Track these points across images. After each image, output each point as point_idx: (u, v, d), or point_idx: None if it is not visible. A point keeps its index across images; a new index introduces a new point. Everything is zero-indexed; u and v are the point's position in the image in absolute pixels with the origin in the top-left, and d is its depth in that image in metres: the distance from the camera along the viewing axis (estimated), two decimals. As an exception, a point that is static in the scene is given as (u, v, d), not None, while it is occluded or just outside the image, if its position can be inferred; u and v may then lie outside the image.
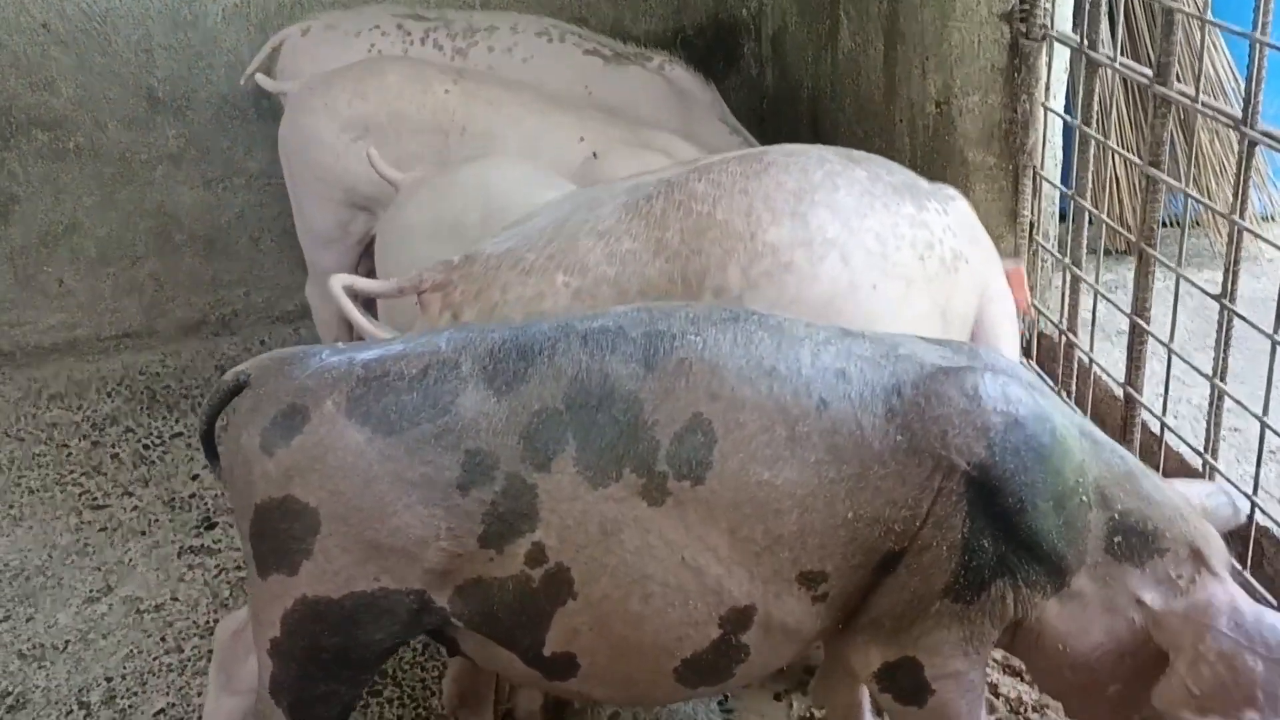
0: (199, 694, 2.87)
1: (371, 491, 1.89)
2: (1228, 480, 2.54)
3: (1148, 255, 2.70)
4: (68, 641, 3.09)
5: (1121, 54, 2.77)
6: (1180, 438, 2.70)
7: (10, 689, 2.93)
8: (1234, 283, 2.40)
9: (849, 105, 4.05)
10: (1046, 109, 3.11)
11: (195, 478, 3.80)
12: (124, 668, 2.99)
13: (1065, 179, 3.26)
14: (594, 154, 3.38)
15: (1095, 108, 2.87)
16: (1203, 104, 2.41)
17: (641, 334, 1.95)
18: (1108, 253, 3.14)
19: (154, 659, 3.02)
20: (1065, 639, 1.98)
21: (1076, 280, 3.05)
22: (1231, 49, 3.94)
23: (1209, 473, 2.56)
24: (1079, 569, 1.96)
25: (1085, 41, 2.84)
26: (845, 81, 4.06)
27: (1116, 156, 3.52)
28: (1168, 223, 2.99)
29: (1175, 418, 2.96)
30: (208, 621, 3.13)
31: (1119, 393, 2.91)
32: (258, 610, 2.03)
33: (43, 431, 4.10)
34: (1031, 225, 3.26)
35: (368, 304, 2.91)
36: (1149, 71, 2.59)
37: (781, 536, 1.89)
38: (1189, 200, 2.53)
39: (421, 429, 1.90)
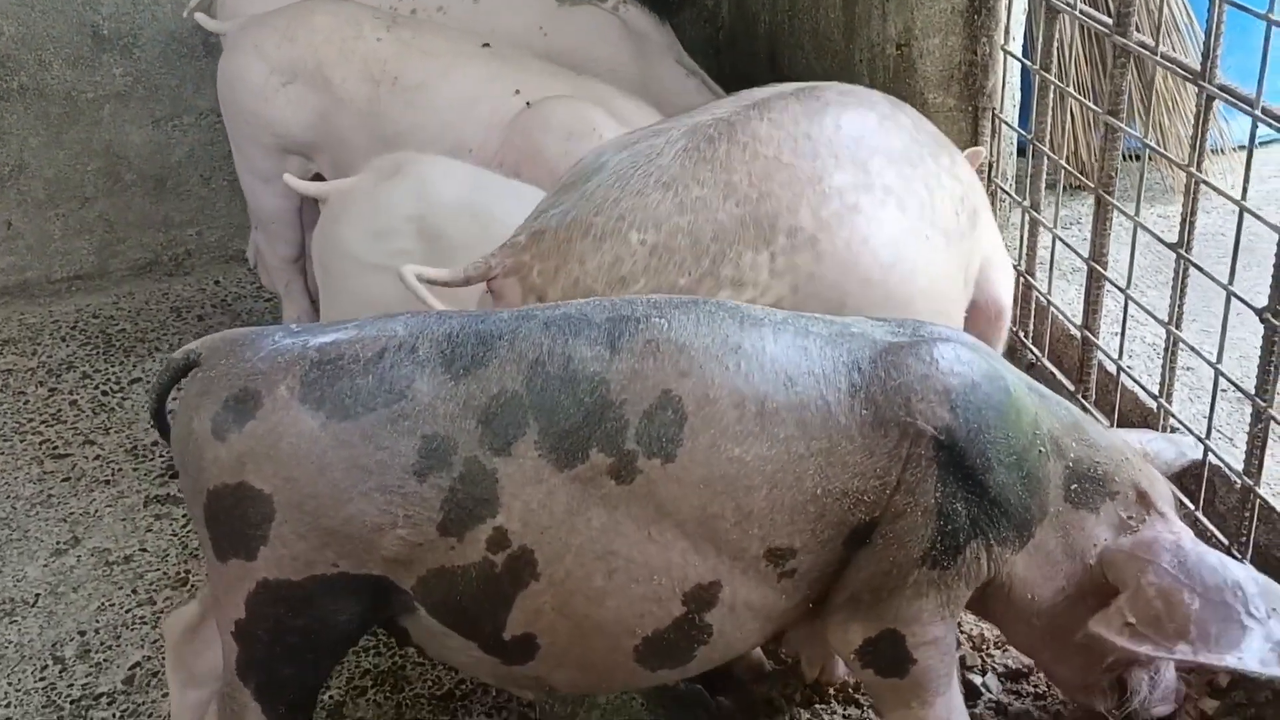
0: (174, 646, 2.89)
1: (326, 478, 1.88)
2: (1180, 423, 2.62)
3: (1106, 202, 2.74)
4: (38, 595, 3.10)
5: None
6: (1136, 381, 2.77)
7: (-17, 645, 2.94)
8: (1190, 232, 2.44)
9: (808, 43, 4.05)
10: (1006, 52, 3.13)
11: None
12: (96, 621, 3.00)
13: (1023, 116, 3.30)
14: (528, 104, 3.34)
15: (1055, 54, 2.89)
16: (1162, 55, 2.44)
17: (605, 319, 1.95)
18: (1064, 189, 3.18)
19: (126, 612, 3.03)
20: (1033, 588, 2.06)
21: (1035, 222, 3.09)
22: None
23: (1163, 415, 2.63)
24: (1042, 520, 2.03)
25: (1045, -13, 2.86)
26: (804, 19, 4.05)
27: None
28: (1125, 156, 3.03)
29: (1130, 356, 3.03)
30: (179, 573, 3.15)
31: (1076, 333, 2.97)
32: (220, 593, 2.02)
33: (-2, 379, 4.07)
34: (990, 166, 3.29)
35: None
36: (1109, 20, 2.61)
37: (751, 513, 1.92)
38: (1148, 150, 2.56)
39: (376, 414, 1.88)
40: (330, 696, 2.70)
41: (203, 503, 1.96)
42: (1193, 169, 2.37)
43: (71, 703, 2.76)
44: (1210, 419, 2.51)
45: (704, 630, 1.99)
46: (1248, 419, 2.91)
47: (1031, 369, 3.09)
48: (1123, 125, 2.63)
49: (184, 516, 3.36)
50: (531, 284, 2.24)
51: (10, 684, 2.82)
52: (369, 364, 1.91)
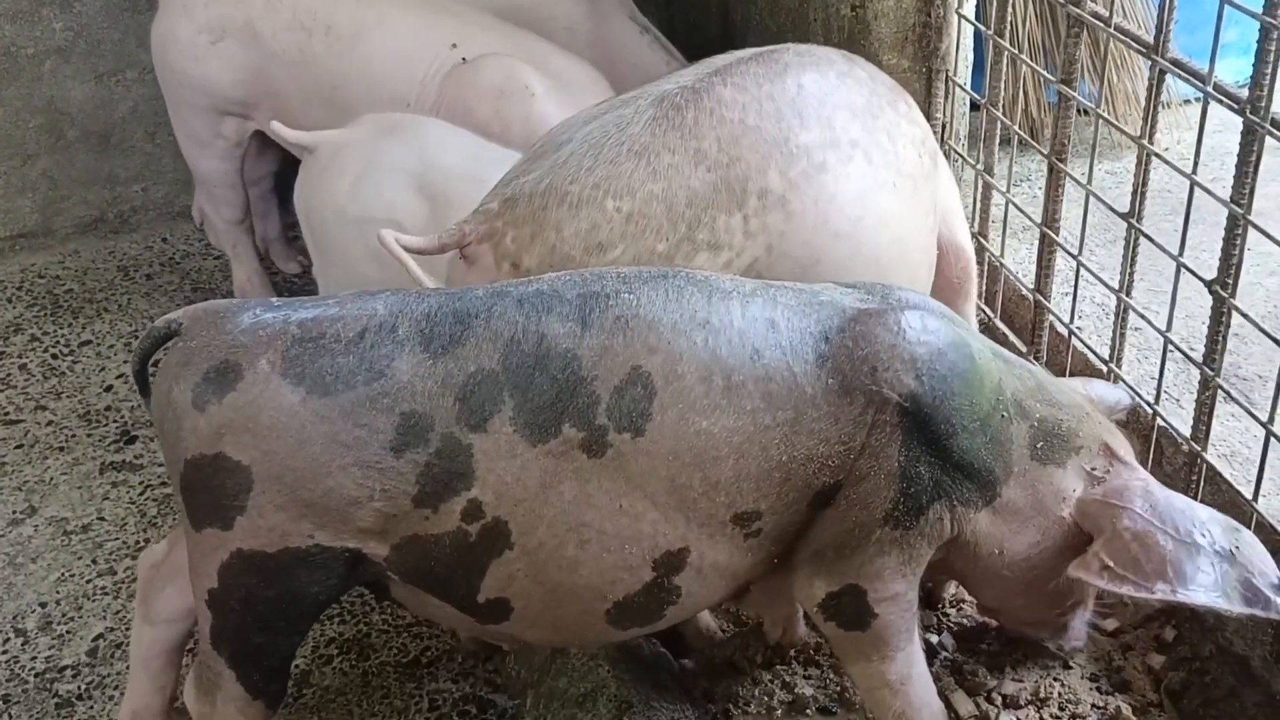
0: (136, 617, 2.90)
1: (305, 452, 1.91)
2: (1130, 388, 2.67)
3: (1058, 170, 2.78)
4: (-4, 567, 3.10)
5: None
6: (1087, 345, 2.82)
7: (-57, 618, 2.93)
8: (1141, 202, 2.49)
9: (762, 2, 4.04)
10: (960, 16, 3.14)
11: (109, 389, 3.77)
12: (57, 592, 3.00)
13: (976, 74, 3.32)
14: (464, 60, 3.32)
15: (1008, 18, 2.91)
16: (1115, 28, 2.47)
17: (576, 295, 1.98)
18: (1007, 142, 3.21)
19: (87, 582, 3.03)
20: (1000, 543, 2.13)
21: (988, 185, 3.13)
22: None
23: (1113, 379, 2.69)
24: (1007, 480, 2.09)
25: (999, -48, 2.87)
26: (756, -26, 4.04)
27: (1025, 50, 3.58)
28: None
29: (1080, 316, 3.08)
30: (138, 542, 3.15)
31: (1029, 295, 3.02)
32: (194, 561, 2.05)
33: (-57, 343, 4.02)
34: (944, 127, 3.31)
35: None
36: (1064, -9, 2.64)
37: (718, 482, 1.97)
38: (1098, 119, 2.60)
39: (356, 392, 1.91)
40: (296, 665, 2.72)
41: (180, 471, 1.99)
42: (1144, 141, 2.41)
43: (35, 675, 2.77)
44: (1159, 384, 2.57)
45: (673, 592, 2.05)
46: (1194, 380, 2.99)
47: (984, 329, 3.13)
48: (1076, 94, 2.66)
49: (141, 484, 3.36)
50: (505, 250, 2.27)
51: (-27, 658, 2.82)
52: (350, 343, 1.94)
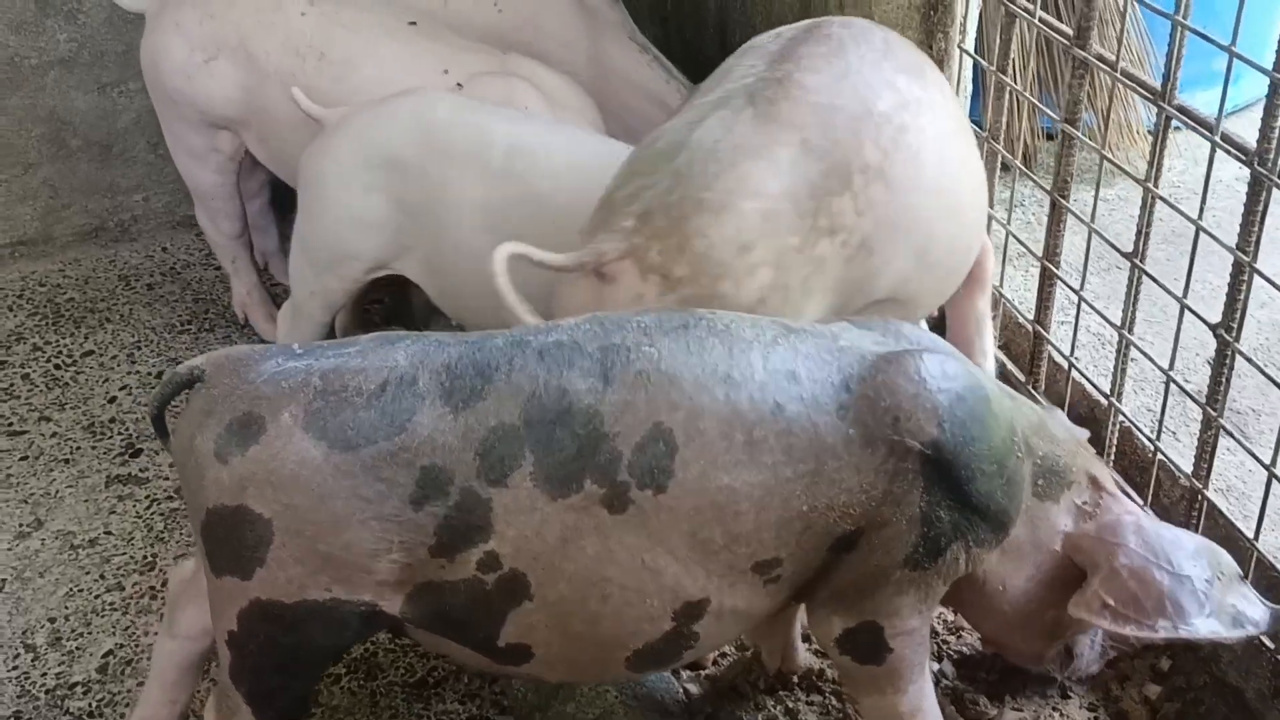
0: (145, 634, 2.93)
1: (326, 507, 1.93)
2: (1131, 423, 2.74)
3: (1060, 207, 2.84)
4: (4, 581, 3.11)
5: None
6: (1087, 378, 2.88)
7: (-48, 633, 2.96)
8: (1146, 244, 2.54)
9: (760, 24, 4.08)
10: (962, 50, 3.20)
11: (113, 400, 3.79)
12: (66, 607, 3.03)
13: (974, 102, 3.39)
14: (459, 85, 3.36)
15: (1011, 56, 2.96)
16: (1122, 72, 2.53)
17: (597, 348, 1.99)
18: (1006, 168, 3.27)
19: (95, 597, 3.06)
20: (1004, 579, 2.19)
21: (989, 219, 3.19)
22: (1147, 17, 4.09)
23: (1114, 413, 2.74)
24: (1018, 519, 2.14)
25: (1005, -10, 2.93)
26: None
27: (1024, 82, 3.65)
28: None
29: (1079, 346, 3.14)
30: (145, 556, 3.18)
31: (1027, 325, 3.08)
32: (213, 602, 2.08)
33: (-55, 351, 4.03)
34: (943, 157, 3.36)
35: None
36: (1070, 32, 2.69)
37: (739, 535, 1.99)
38: (1103, 160, 2.66)
39: (378, 446, 1.92)
40: (306, 685, 2.75)
41: (201, 519, 2.01)
42: (1149, 184, 2.46)
43: (46, 692, 2.80)
44: (1160, 420, 2.62)
45: (692, 637, 2.08)
46: (1189, 411, 3.05)
47: (982, 358, 3.19)
48: (1079, 134, 2.72)
49: (147, 498, 3.38)
50: (651, 263, 2.25)
51: (-16, 673, 2.84)
52: (372, 396, 1.95)
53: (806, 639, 2.70)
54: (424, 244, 2.99)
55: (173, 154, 3.84)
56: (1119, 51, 2.54)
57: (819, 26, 2.54)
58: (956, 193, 2.50)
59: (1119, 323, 2.65)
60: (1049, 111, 2.87)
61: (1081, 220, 2.77)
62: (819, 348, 2.07)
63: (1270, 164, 2.16)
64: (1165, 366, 2.56)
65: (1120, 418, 2.73)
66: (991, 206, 3.19)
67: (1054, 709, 2.58)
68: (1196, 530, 2.49)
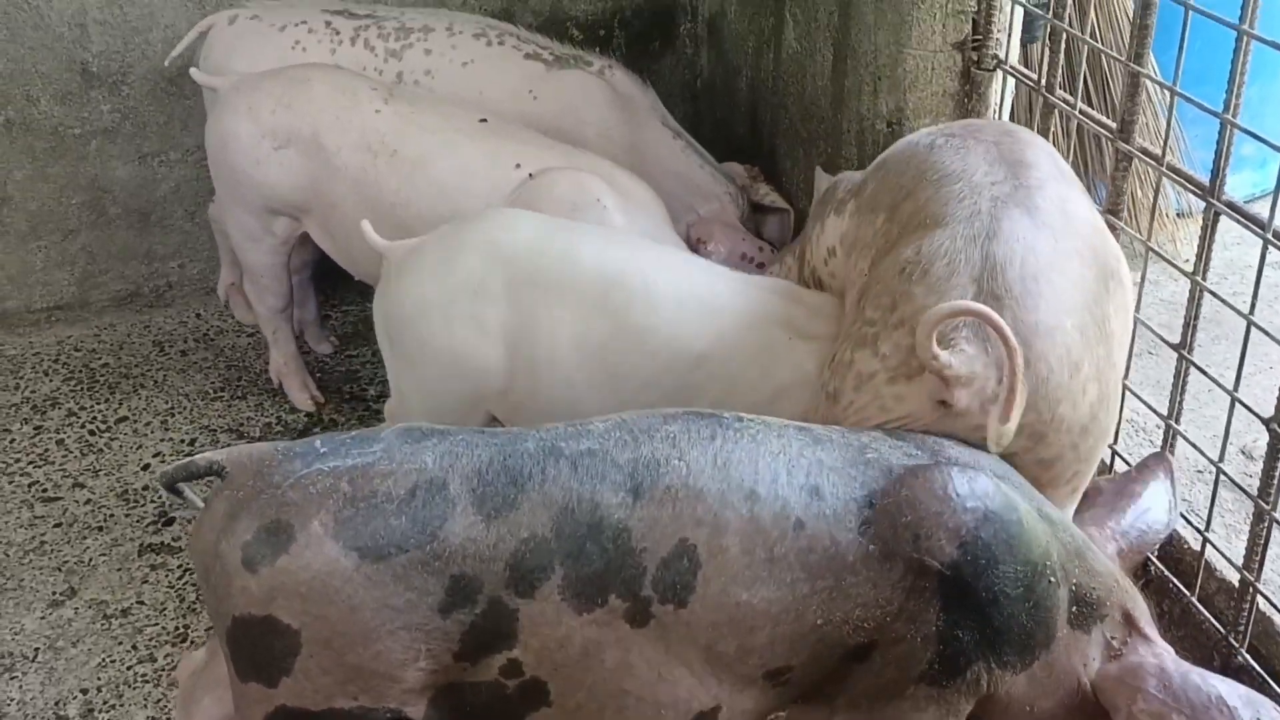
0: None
1: (356, 618, 1.90)
2: (1182, 516, 2.73)
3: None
4: (37, 650, 3.11)
5: (1038, 69, 2.90)
6: (1126, 463, 2.88)
7: (-15, 702, 2.96)
8: (1193, 335, 2.55)
9: (792, 105, 4.13)
10: (999, 137, 3.23)
11: (146, 467, 3.81)
12: (98, 678, 3.03)
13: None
14: (530, 175, 3.36)
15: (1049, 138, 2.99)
16: (1168, 167, 2.56)
17: (628, 460, 1.99)
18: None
19: (128, 668, 3.06)
20: (1033, 701, 2.12)
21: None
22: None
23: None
24: (1048, 645, 2.08)
25: (1044, 81, 2.96)
26: (789, 81, 4.14)
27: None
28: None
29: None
30: (177, 628, 3.18)
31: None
32: (238, 703, 2.05)
33: (-19, 414, 4.06)
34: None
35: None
36: (1113, 125, 2.72)
37: (753, 648, 1.98)
38: (1149, 253, 2.68)
39: (409, 555, 1.90)
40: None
41: (227, 626, 1.97)
42: (1197, 277, 2.48)
43: (80, 764, 2.80)
44: (1210, 512, 2.62)
45: None
46: (1221, 500, 3.04)
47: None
48: (1123, 225, 2.74)
49: (180, 567, 3.39)
50: (993, 396, 2.15)
51: (17, 744, 2.84)
52: (402, 503, 1.92)
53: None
54: (521, 382, 2.80)
55: (228, 228, 3.85)
56: (1164, 147, 2.57)
57: (1011, 136, 2.55)
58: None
59: (1165, 412, 2.66)
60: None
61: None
62: (845, 460, 2.05)
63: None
64: (1209, 456, 2.56)
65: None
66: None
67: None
68: (1246, 626, 2.48)
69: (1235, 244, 4.40)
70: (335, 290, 4.59)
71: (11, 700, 2.96)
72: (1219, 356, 3.36)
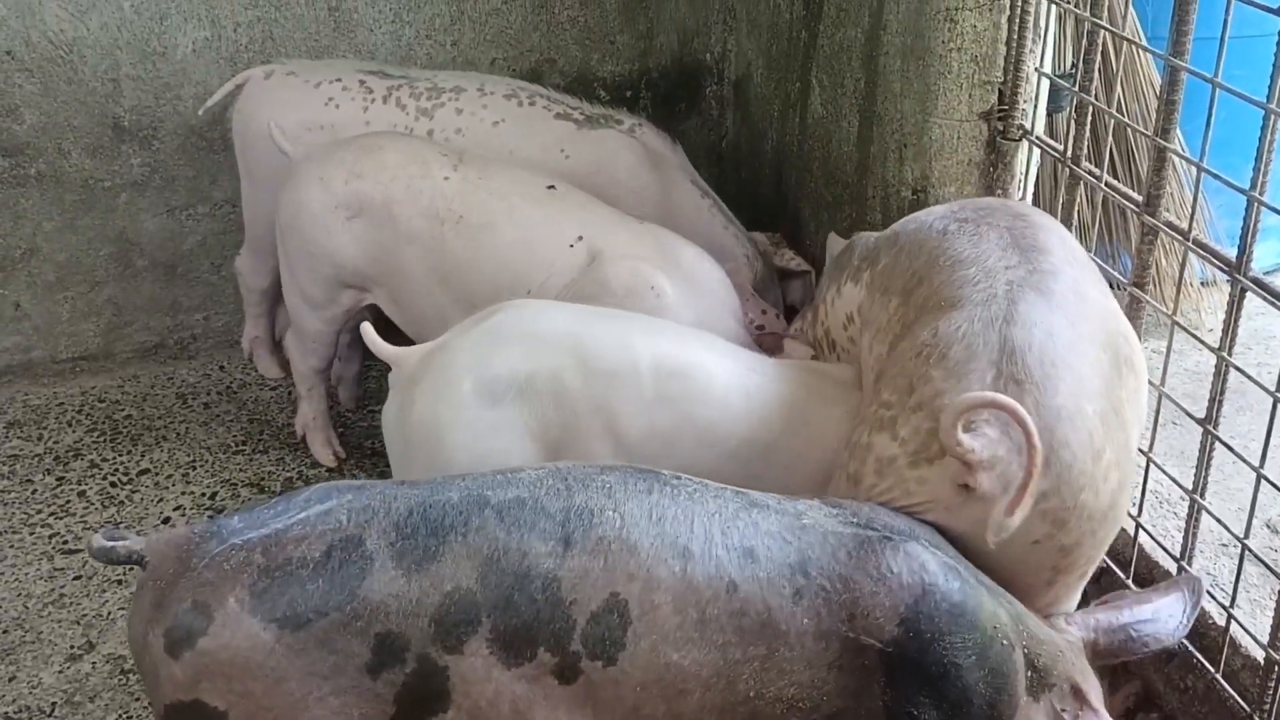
0: (195, 764, 2.91)
1: (282, 689, 1.88)
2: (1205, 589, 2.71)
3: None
4: (54, 704, 3.11)
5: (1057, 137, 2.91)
6: (1157, 541, 2.85)
7: (1, 757, 2.96)
8: (1219, 409, 2.54)
9: (817, 169, 4.16)
10: (1024, 206, 3.24)
11: (166, 520, 3.81)
12: (115, 734, 3.03)
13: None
14: (579, 242, 3.33)
15: (1075, 217, 2.99)
16: (1194, 241, 2.56)
17: (560, 509, 1.97)
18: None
19: (144, 725, 3.06)
20: None
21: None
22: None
23: (1183, 575, 2.72)
24: (1014, 712, 2.03)
25: (1069, 152, 2.97)
26: (814, 145, 4.16)
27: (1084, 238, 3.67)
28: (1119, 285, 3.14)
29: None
30: (195, 684, 3.17)
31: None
32: None
33: (4, 465, 4.07)
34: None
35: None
36: (1139, 198, 2.72)
37: (681, 714, 1.94)
38: (1174, 325, 2.67)
39: (330, 619, 1.88)
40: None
41: (161, 715, 1.96)
42: (1223, 353, 2.47)
43: (94, 822, 2.79)
44: (1235, 588, 2.59)
45: None
46: (1256, 573, 3.01)
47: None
48: (1148, 298, 2.74)
49: (199, 623, 3.38)
50: (1013, 478, 2.12)
51: (32, 801, 2.83)
52: (318, 566, 1.90)
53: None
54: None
55: (285, 292, 3.82)
56: (1191, 221, 2.57)
57: (1024, 219, 2.57)
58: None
59: (1190, 486, 2.65)
60: (1115, 274, 2.89)
61: (1152, 384, 2.77)
62: (781, 525, 2.03)
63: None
64: (1234, 532, 2.55)
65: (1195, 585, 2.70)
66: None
67: None
68: (1272, 704, 2.45)
69: (1260, 314, 4.38)
70: (356, 341, 4.58)
71: (28, 755, 2.96)
72: (1244, 427, 3.34)
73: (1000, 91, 3.22)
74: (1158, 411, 2.79)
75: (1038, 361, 2.21)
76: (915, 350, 2.32)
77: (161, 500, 3.91)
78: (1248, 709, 2.53)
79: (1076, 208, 2.98)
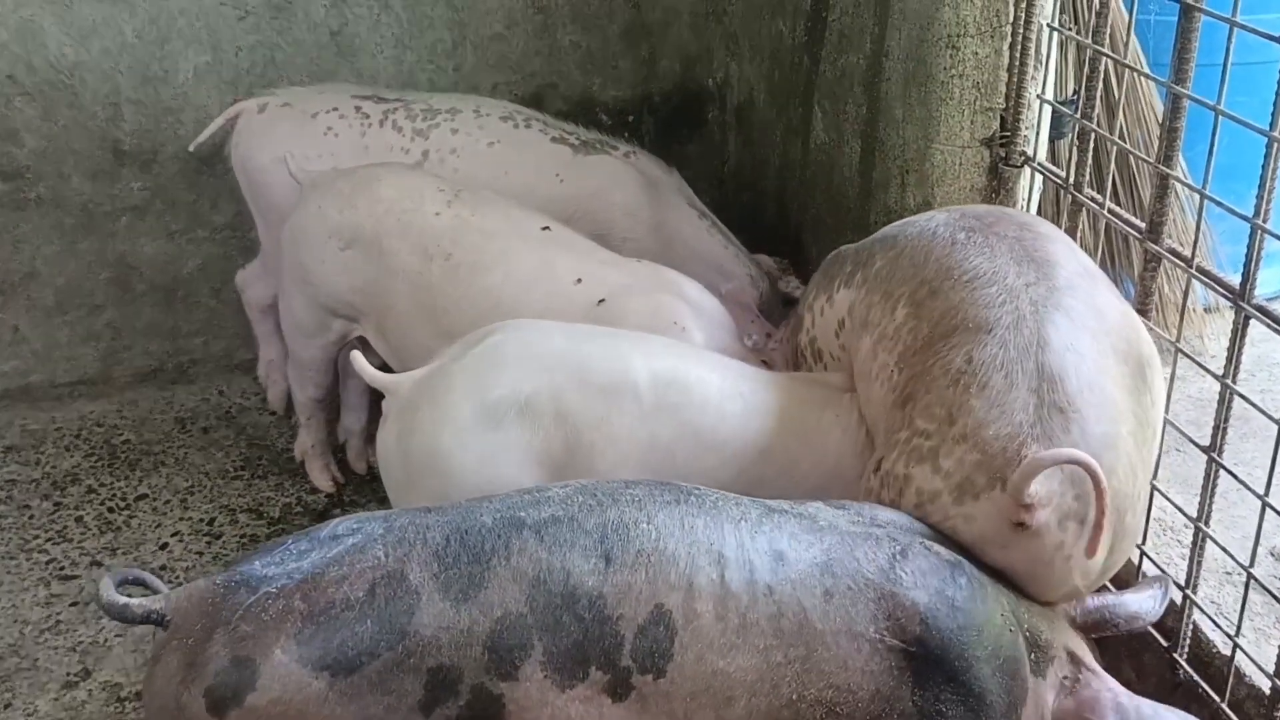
0: (190, 794, 2.88)
1: None
2: (1209, 617, 2.68)
3: (1129, 394, 2.83)
4: (50, 732, 3.09)
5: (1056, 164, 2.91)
6: (1160, 569, 2.82)
7: (-5, 786, 2.93)
8: (1223, 437, 2.52)
9: (820, 195, 4.15)
10: (1026, 233, 3.22)
11: (164, 547, 3.79)
12: (110, 763, 3.00)
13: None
14: (600, 301, 3.23)
15: (1077, 243, 2.98)
16: (1197, 269, 2.54)
17: (595, 525, 1.96)
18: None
19: (140, 754, 3.03)
20: None
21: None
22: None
23: (1188, 606, 2.69)
24: (1025, 699, 2.08)
25: (1071, 179, 2.96)
26: (817, 170, 4.16)
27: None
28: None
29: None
30: (192, 712, 3.14)
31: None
32: None
33: (1, 490, 4.04)
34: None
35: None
36: (1142, 225, 2.71)
37: None
38: (1177, 352, 2.66)
39: (382, 659, 1.84)
40: None
41: None
42: (1228, 380, 2.46)
43: None
44: (1241, 616, 2.57)
45: None
46: (1260, 601, 2.99)
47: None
48: (1152, 325, 2.72)
49: (196, 650, 3.36)
50: (1067, 509, 2.18)
51: (26, 831, 2.81)
52: (363, 606, 1.86)
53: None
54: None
55: (282, 319, 3.81)
56: (1194, 248, 2.56)
57: (1031, 229, 2.58)
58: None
59: (1194, 514, 2.62)
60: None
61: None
62: (801, 528, 2.06)
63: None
64: (1238, 560, 2.53)
65: (1196, 610, 2.68)
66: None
67: None
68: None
69: (1263, 340, 4.35)
70: (367, 389, 4.55)
71: (22, 785, 2.93)
72: (1248, 455, 3.32)
73: (1002, 118, 3.21)
74: (1161, 438, 2.77)
75: (1077, 389, 2.24)
76: (951, 378, 2.32)
77: (159, 526, 3.89)
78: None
79: (1079, 234, 2.97)
